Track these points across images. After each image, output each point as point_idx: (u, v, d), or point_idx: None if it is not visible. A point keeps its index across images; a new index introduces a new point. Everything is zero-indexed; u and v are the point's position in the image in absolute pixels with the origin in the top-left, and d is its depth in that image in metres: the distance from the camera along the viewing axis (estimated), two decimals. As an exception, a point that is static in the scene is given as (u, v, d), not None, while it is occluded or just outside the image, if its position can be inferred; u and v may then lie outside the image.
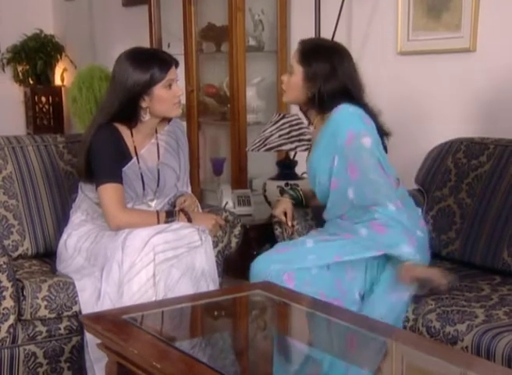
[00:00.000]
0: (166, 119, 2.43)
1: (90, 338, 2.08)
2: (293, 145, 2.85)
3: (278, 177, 3.04)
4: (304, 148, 2.86)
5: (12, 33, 5.67)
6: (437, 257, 2.43)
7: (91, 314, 2.03)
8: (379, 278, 2.19)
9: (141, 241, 2.15)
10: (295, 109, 3.58)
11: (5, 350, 2.15)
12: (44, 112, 5.81)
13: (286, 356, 1.81)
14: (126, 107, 2.27)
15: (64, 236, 2.40)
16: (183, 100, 3.82)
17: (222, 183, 3.67)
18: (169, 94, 2.29)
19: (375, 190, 2.17)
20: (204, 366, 1.57)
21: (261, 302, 2.09)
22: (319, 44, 2.39)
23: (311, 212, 2.55)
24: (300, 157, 3.18)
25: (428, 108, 2.96)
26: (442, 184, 2.57)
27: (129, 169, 2.33)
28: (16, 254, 2.50)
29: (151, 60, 2.27)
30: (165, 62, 2.29)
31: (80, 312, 2.20)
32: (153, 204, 2.41)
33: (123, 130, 2.34)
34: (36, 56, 5.68)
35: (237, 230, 2.58)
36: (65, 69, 5.86)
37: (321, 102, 2.26)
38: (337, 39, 2.97)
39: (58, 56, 5.81)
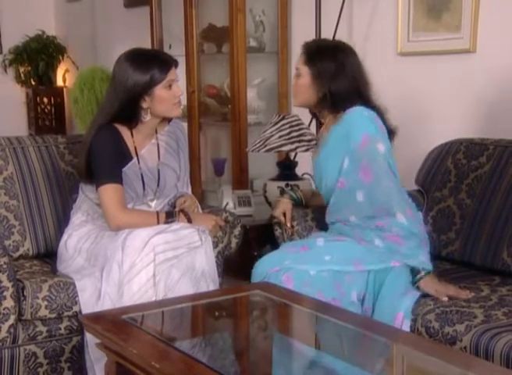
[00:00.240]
0: (166, 120, 2.44)
1: (90, 338, 2.09)
2: (293, 146, 2.84)
3: (278, 178, 3.04)
4: (304, 148, 2.86)
5: (14, 35, 5.69)
6: (437, 257, 2.43)
7: (91, 314, 2.04)
8: (384, 281, 2.18)
9: (141, 241, 2.16)
10: (295, 110, 3.59)
11: (6, 350, 2.15)
12: (46, 113, 5.83)
13: (285, 356, 1.81)
14: (127, 107, 2.28)
15: (64, 236, 2.41)
16: (184, 101, 3.84)
17: (223, 183, 3.68)
18: (170, 95, 2.30)
19: (387, 196, 2.18)
20: (203, 365, 1.57)
21: (261, 302, 2.10)
22: (322, 44, 2.41)
23: (312, 213, 2.56)
24: (301, 158, 3.19)
25: (428, 109, 2.96)
26: (441, 185, 2.57)
27: (129, 170, 2.34)
28: (16, 254, 2.51)
29: (151, 61, 2.28)
30: (165, 62, 2.30)
31: (81, 312, 2.20)
32: (153, 204, 2.42)
33: (123, 131, 2.34)
34: (38, 57, 5.70)
35: (237, 231, 2.58)
36: (66, 70, 5.87)
37: (333, 100, 2.26)
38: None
39: (60, 57, 5.83)
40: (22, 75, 5.83)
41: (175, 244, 2.20)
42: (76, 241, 2.35)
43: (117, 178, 2.29)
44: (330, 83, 2.25)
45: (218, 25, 3.83)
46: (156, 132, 2.43)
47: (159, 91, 2.28)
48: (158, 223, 2.27)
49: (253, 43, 3.70)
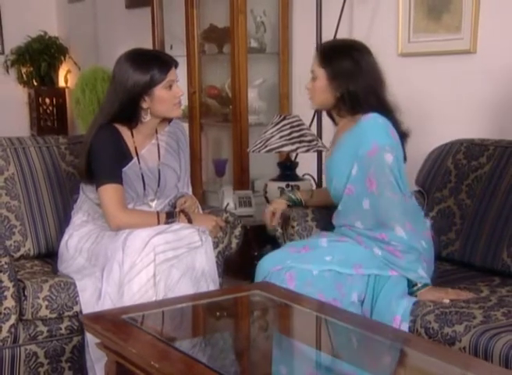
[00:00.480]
0: (166, 120, 2.45)
1: (90, 338, 2.09)
2: (293, 146, 2.85)
3: (279, 178, 3.04)
4: (304, 149, 2.87)
5: (16, 35, 5.71)
6: (437, 258, 2.43)
7: (91, 314, 2.05)
8: (384, 286, 2.19)
9: (142, 241, 2.17)
10: (296, 111, 3.60)
11: (7, 350, 2.16)
12: (48, 114, 5.85)
13: (285, 356, 1.81)
14: (127, 108, 2.29)
15: (65, 236, 2.41)
16: (185, 101, 3.85)
17: (224, 184, 3.69)
18: (170, 95, 2.31)
19: (388, 208, 2.17)
20: (202, 365, 1.58)
21: (261, 302, 2.10)
22: (336, 44, 2.39)
23: (312, 213, 2.56)
24: (302, 158, 3.19)
25: (428, 110, 2.96)
26: (442, 185, 2.58)
27: (129, 170, 2.35)
28: (17, 254, 2.51)
29: (151, 61, 2.29)
30: (165, 63, 2.31)
31: (81, 312, 2.21)
32: (153, 204, 2.42)
33: (124, 131, 2.35)
34: (40, 58, 5.72)
35: (238, 231, 2.59)
36: (68, 71, 5.89)
37: (351, 100, 2.25)
38: (338, 41, 2.98)
39: (62, 58, 5.85)
40: (24, 76, 5.85)
41: (175, 245, 2.21)
42: (77, 241, 2.36)
43: (117, 178, 2.30)
44: (347, 83, 2.23)
45: (219, 26, 3.83)
46: (156, 132, 2.44)
47: (159, 91, 2.29)
48: (159, 223, 2.28)
49: (254, 44, 3.70)
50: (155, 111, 2.33)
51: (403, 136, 2.29)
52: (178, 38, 4.04)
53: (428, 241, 2.29)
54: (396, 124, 2.27)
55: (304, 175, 3.13)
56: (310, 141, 2.89)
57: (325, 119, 3.22)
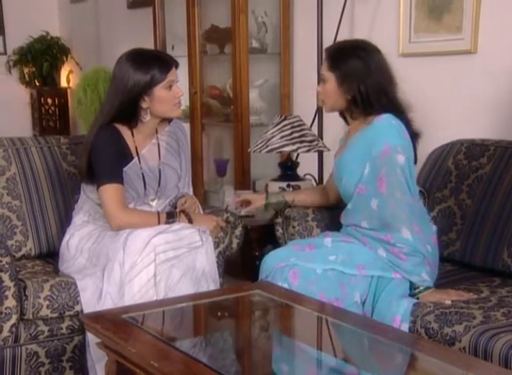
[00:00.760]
0: (167, 120, 2.45)
1: (91, 338, 2.10)
2: (294, 147, 2.85)
3: (280, 178, 3.04)
4: (305, 149, 2.87)
5: (18, 36, 5.72)
6: (438, 258, 2.43)
7: (91, 313, 2.05)
8: (385, 288, 2.19)
9: (142, 241, 2.17)
10: (297, 111, 3.60)
11: (8, 349, 2.17)
12: (50, 114, 5.85)
13: (285, 356, 1.82)
14: (127, 107, 2.30)
15: (66, 236, 2.42)
16: (187, 101, 3.85)
17: (225, 184, 3.69)
18: (170, 95, 2.31)
19: (395, 208, 2.18)
20: (202, 365, 1.58)
21: (261, 302, 2.10)
22: (343, 46, 2.38)
23: (312, 213, 2.57)
24: (303, 158, 3.19)
25: (429, 110, 2.96)
26: (442, 185, 2.58)
27: (130, 169, 2.36)
28: (19, 254, 2.52)
29: (151, 61, 2.30)
30: (165, 63, 2.31)
31: (82, 311, 2.21)
32: (154, 204, 2.43)
33: (124, 131, 2.36)
34: (42, 58, 5.72)
35: (238, 231, 2.59)
36: (70, 71, 5.90)
37: (363, 101, 2.24)
38: (339, 41, 2.98)
39: (64, 58, 5.85)
40: (26, 76, 5.86)
41: (175, 245, 2.21)
42: (78, 241, 2.37)
43: (118, 178, 2.30)
44: (357, 84, 2.23)
45: (220, 26, 3.84)
46: (157, 132, 2.44)
47: (159, 91, 2.29)
48: (159, 223, 2.28)
49: (255, 44, 3.71)
50: (155, 111, 2.33)
51: (414, 136, 2.29)
52: (179, 38, 4.05)
53: (433, 245, 2.29)
54: (408, 124, 2.27)
55: (305, 175, 3.13)
56: (311, 141, 2.89)
57: (327, 120, 3.24)
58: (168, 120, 2.46)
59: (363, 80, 2.23)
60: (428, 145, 2.72)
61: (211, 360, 1.68)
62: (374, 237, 2.23)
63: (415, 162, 2.29)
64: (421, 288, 2.17)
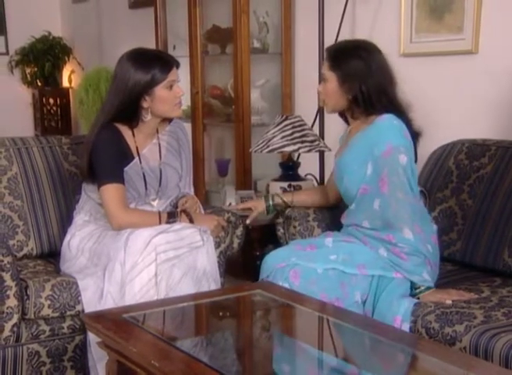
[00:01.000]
0: (167, 120, 2.46)
1: (92, 337, 2.10)
2: (295, 147, 2.85)
3: (281, 178, 3.04)
4: (306, 149, 2.87)
5: (20, 36, 5.72)
6: (439, 259, 2.43)
7: (92, 313, 2.06)
8: (386, 288, 2.19)
9: (143, 241, 2.17)
10: (299, 111, 3.60)
11: (9, 349, 2.17)
12: (52, 114, 5.85)
13: (285, 356, 1.82)
14: (128, 107, 2.30)
15: (67, 236, 2.43)
16: (188, 101, 3.86)
17: (226, 184, 3.69)
18: (170, 95, 2.32)
19: (398, 208, 2.18)
20: (203, 364, 1.58)
21: (262, 302, 2.11)
22: (344, 46, 2.38)
23: (313, 213, 2.57)
24: (304, 158, 3.19)
25: (430, 110, 2.96)
26: (443, 186, 2.58)
27: (131, 169, 2.36)
28: (20, 254, 2.53)
29: (152, 61, 2.30)
30: (166, 63, 2.32)
31: (83, 311, 2.22)
32: (155, 203, 2.43)
33: (125, 131, 2.36)
34: (44, 58, 5.73)
35: (239, 231, 2.59)
36: (72, 71, 5.90)
37: (365, 100, 2.24)
38: (340, 41, 2.98)
39: (66, 58, 5.85)
40: (28, 76, 5.86)
41: (176, 244, 2.22)
42: (79, 240, 2.37)
43: (118, 178, 2.31)
44: (358, 84, 2.23)
45: (222, 26, 3.84)
46: (157, 132, 2.45)
47: (160, 90, 2.30)
48: (160, 223, 2.29)
49: (256, 44, 3.71)
50: (156, 110, 2.34)
51: (415, 135, 2.29)
52: (181, 38, 4.05)
53: (434, 245, 2.29)
54: (408, 124, 2.27)
55: (306, 175, 3.13)
56: (312, 141, 2.89)
57: (328, 120, 3.24)
58: (169, 120, 2.47)
59: (364, 79, 2.23)
60: (430, 145, 2.72)
61: (211, 360, 1.68)
62: (375, 237, 2.23)
63: (415, 161, 2.30)
64: (422, 288, 2.18)
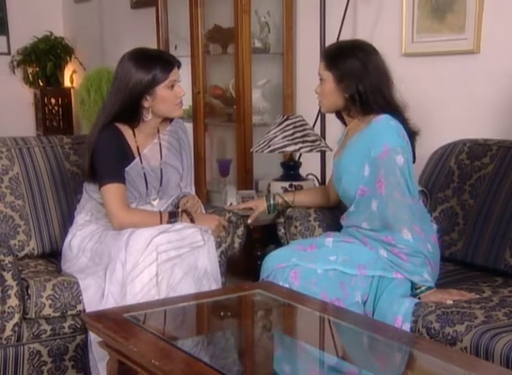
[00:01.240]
0: (168, 120, 2.46)
1: (93, 337, 2.11)
2: (296, 146, 2.85)
3: (282, 178, 3.04)
4: (307, 149, 2.87)
5: (22, 36, 5.73)
6: (440, 258, 2.42)
7: (93, 312, 2.06)
8: (386, 288, 2.19)
9: (144, 240, 2.18)
10: (300, 111, 3.60)
11: (10, 348, 2.17)
12: (54, 114, 5.86)
13: (286, 355, 1.82)
14: (129, 106, 2.31)
15: (69, 236, 2.43)
16: (190, 101, 3.86)
17: (228, 184, 3.69)
18: (171, 95, 2.32)
19: (396, 210, 2.18)
20: (203, 364, 1.59)
21: (262, 302, 2.11)
22: (340, 46, 2.39)
23: (314, 213, 2.57)
24: (305, 158, 3.20)
25: (431, 110, 2.96)
26: (445, 185, 2.58)
27: (131, 169, 2.36)
28: (22, 254, 2.53)
29: (153, 61, 2.30)
30: (167, 63, 2.32)
31: (84, 310, 2.22)
32: (156, 203, 2.43)
33: (125, 130, 2.37)
34: (46, 58, 5.73)
35: (240, 231, 2.60)
36: (74, 71, 5.91)
37: (361, 100, 2.24)
38: (342, 41, 2.98)
39: (68, 58, 5.86)
40: (30, 76, 5.87)
41: (177, 244, 2.22)
42: (80, 240, 2.37)
43: (120, 178, 2.31)
44: (355, 83, 2.23)
45: (223, 26, 3.84)
46: (158, 132, 2.45)
47: (161, 90, 2.30)
48: (161, 222, 2.29)
49: (258, 44, 3.71)
50: (157, 110, 2.34)
51: (412, 135, 2.29)
52: (182, 38, 4.05)
53: (434, 244, 2.29)
54: (405, 124, 2.27)
55: (307, 175, 3.14)
56: (313, 141, 2.89)
57: (329, 120, 3.24)
58: (170, 120, 2.47)
59: (361, 79, 2.23)
60: (431, 145, 2.72)
61: (212, 359, 1.68)
62: (374, 238, 2.23)
63: (414, 161, 2.29)
64: (423, 288, 2.17)
